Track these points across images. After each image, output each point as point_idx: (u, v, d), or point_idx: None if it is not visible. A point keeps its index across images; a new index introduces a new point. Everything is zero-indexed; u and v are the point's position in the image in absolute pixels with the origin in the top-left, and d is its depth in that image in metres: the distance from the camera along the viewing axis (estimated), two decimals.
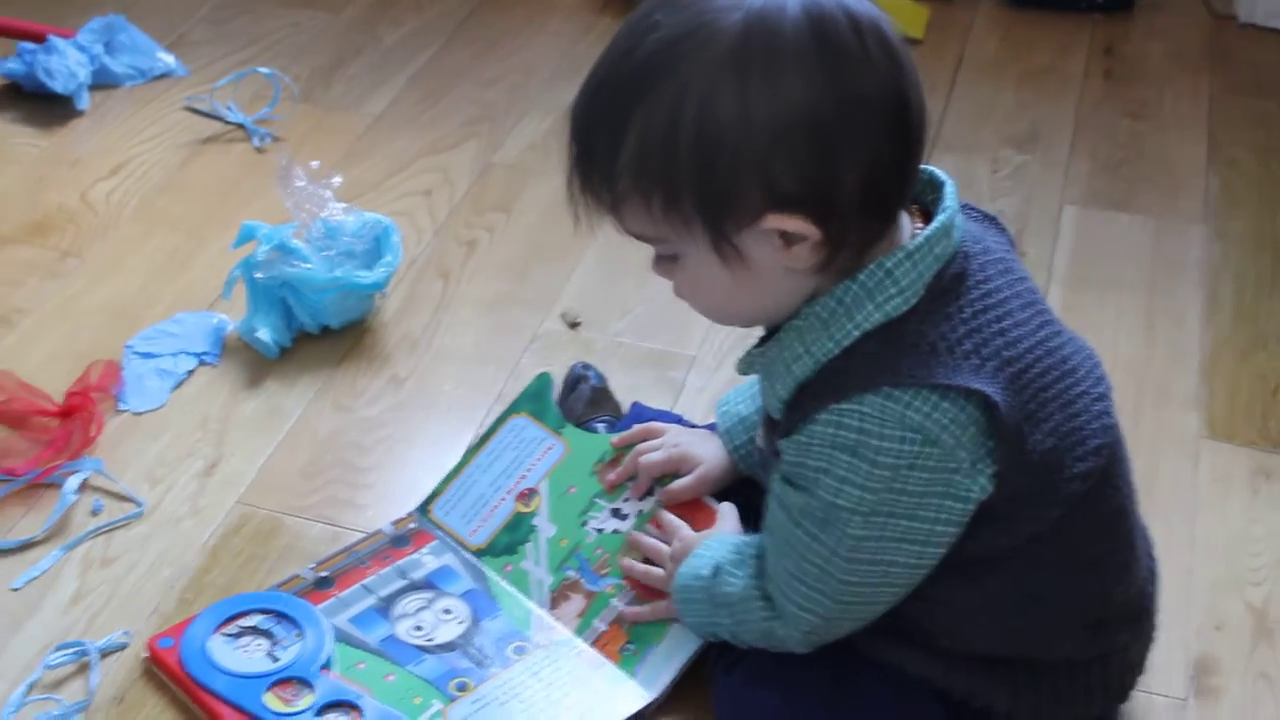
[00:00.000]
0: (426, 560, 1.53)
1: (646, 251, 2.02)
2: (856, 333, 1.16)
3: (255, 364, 1.83)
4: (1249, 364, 1.91)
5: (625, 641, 1.43)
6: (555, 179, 2.14)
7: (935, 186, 1.23)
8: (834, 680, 1.28)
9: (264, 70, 2.29)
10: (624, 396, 1.78)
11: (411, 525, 1.57)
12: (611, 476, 1.52)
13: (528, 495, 1.55)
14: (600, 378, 1.68)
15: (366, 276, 1.84)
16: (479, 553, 1.53)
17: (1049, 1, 2.64)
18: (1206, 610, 1.59)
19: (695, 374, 1.85)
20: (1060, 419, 1.21)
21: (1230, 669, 1.53)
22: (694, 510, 1.49)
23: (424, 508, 1.58)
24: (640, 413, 1.62)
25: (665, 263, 1.21)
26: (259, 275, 1.83)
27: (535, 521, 1.53)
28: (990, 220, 1.29)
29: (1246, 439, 1.80)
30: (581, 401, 1.64)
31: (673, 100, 1.10)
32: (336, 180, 1.92)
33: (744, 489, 1.48)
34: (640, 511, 1.50)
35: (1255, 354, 1.93)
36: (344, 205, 1.90)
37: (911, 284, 1.17)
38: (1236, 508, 1.71)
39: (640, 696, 1.39)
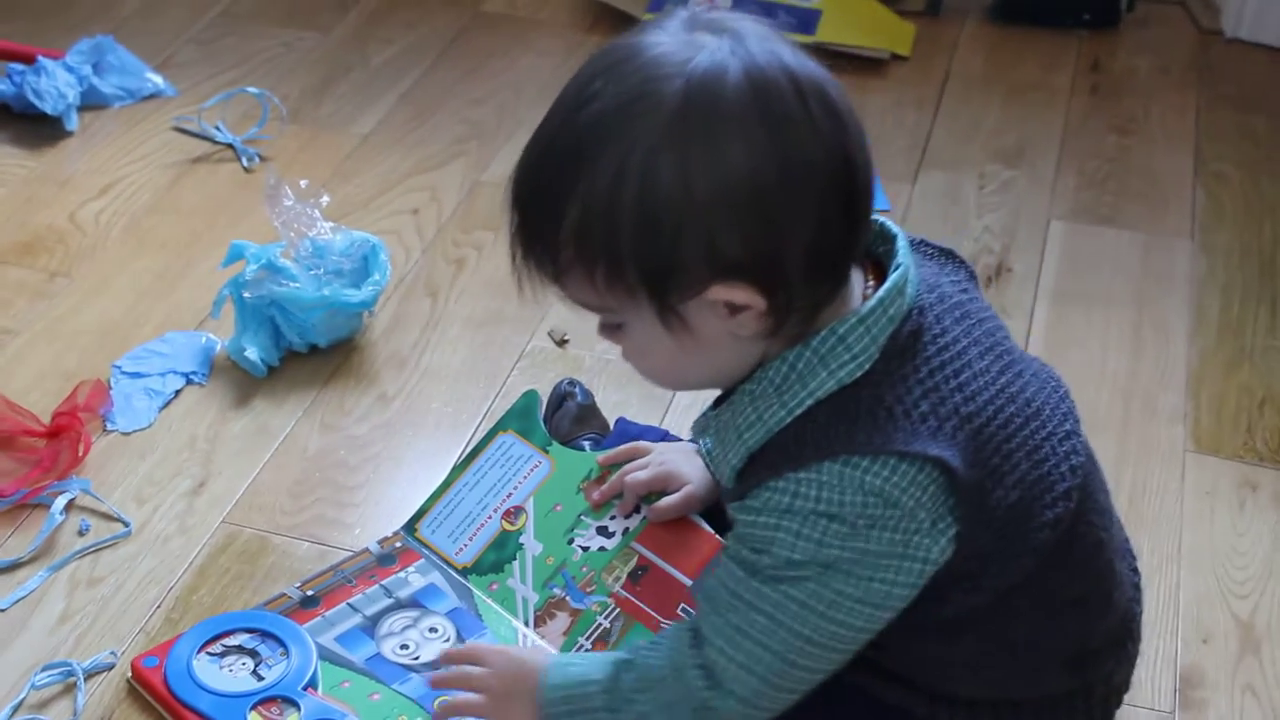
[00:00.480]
0: (413, 579, 1.53)
1: None
2: (810, 401, 1.15)
3: (243, 383, 1.83)
4: (1235, 377, 1.92)
5: None
6: None
7: (887, 238, 1.21)
8: (825, 702, 1.27)
9: (252, 90, 2.30)
10: (611, 413, 1.78)
11: (398, 544, 1.57)
12: (597, 495, 1.52)
13: (514, 513, 1.54)
14: (587, 394, 1.68)
15: (354, 295, 1.84)
16: (465, 571, 1.53)
17: (1035, 18, 2.65)
18: (1193, 623, 1.59)
19: (682, 393, 1.85)
20: (1026, 468, 1.19)
21: (1216, 682, 1.53)
22: (683, 530, 1.48)
23: (410, 526, 1.58)
24: (625, 429, 1.61)
25: (611, 330, 1.19)
26: (247, 294, 1.83)
27: (521, 540, 1.52)
28: (947, 255, 1.27)
29: (1232, 452, 1.80)
30: (568, 419, 1.64)
31: (614, 171, 1.08)
32: (325, 199, 1.92)
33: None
34: (626, 529, 1.50)
35: (1241, 367, 1.94)
36: (332, 224, 1.91)
37: (865, 349, 1.15)
38: (1223, 520, 1.72)
39: None
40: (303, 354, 1.87)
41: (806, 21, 2.57)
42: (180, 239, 2.08)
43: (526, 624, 1.47)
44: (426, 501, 1.59)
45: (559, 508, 1.53)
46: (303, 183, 1.93)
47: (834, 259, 1.14)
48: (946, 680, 1.27)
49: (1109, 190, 2.27)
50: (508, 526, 1.54)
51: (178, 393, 1.81)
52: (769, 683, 1.19)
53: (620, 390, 1.84)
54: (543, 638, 1.45)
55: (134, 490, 1.68)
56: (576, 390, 1.68)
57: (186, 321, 1.92)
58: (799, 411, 1.15)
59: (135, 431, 1.76)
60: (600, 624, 1.45)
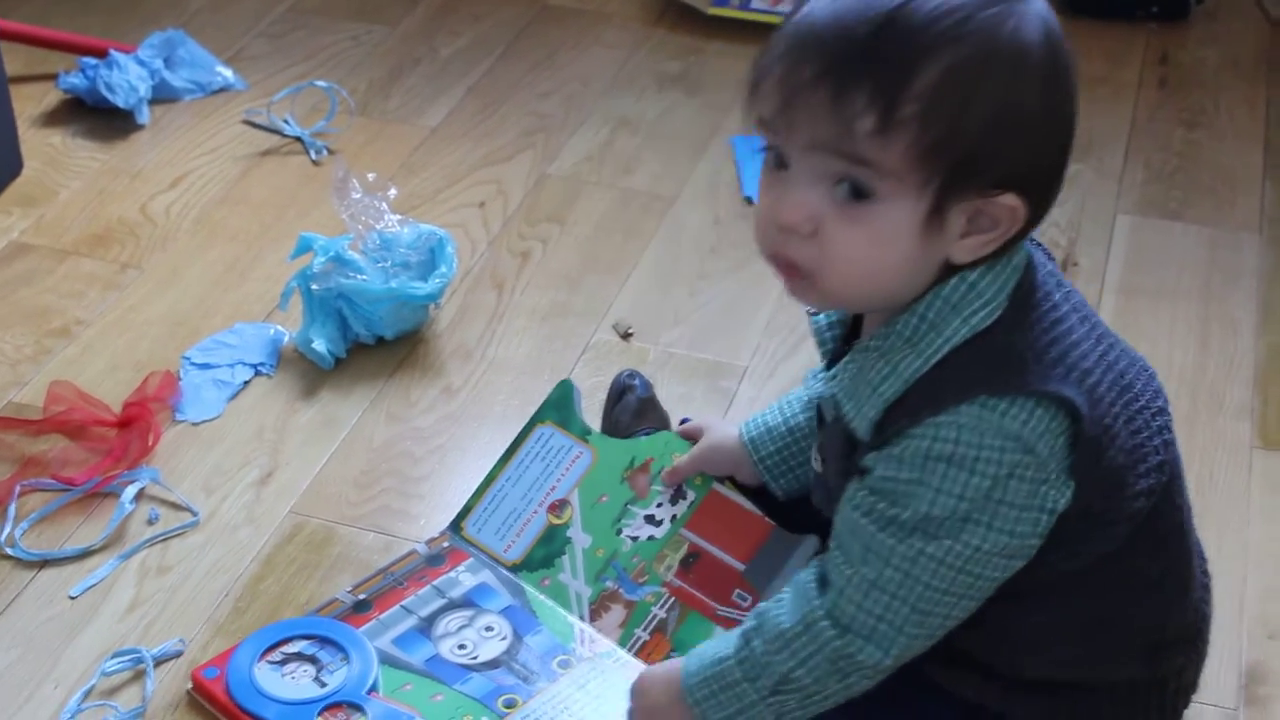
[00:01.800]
0: (463, 578, 1.53)
1: (698, 262, 2.05)
2: (946, 348, 1.16)
3: (311, 374, 1.85)
4: None
5: (669, 650, 1.43)
6: (609, 190, 2.20)
7: None
8: (892, 701, 1.27)
9: (321, 83, 2.31)
10: (676, 408, 1.79)
11: (445, 544, 1.57)
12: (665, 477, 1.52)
13: (559, 506, 1.54)
14: (646, 387, 1.68)
15: (421, 288, 1.86)
16: (515, 568, 1.53)
17: (1104, 10, 2.63)
18: (1258, 619, 1.59)
19: (747, 384, 1.86)
20: (1125, 435, 1.21)
21: None
22: (732, 514, 1.48)
23: (456, 525, 1.58)
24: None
25: (838, 210, 1.13)
26: (315, 286, 1.85)
27: (569, 533, 1.52)
28: (1031, 240, 1.29)
29: None
30: (628, 412, 1.65)
31: (986, 53, 1.10)
32: (392, 192, 1.94)
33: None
34: (674, 516, 1.50)
35: None
36: (399, 217, 1.92)
37: (995, 295, 1.17)
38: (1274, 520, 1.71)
39: None
40: (369, 346, 1.89)
41: None
42: (249, 231, 2.10)
43: (581, 619, 1.48)
44: (470, 499, 1.58)
45: (605, 498, 1.53)
46: (370, 175, 1.94)
47: (1046, 214, 1.19)
48: (1013, 655, 1.26)
49: (1176, 184, 2.26)
50: (554, 520, 1.54)
51: (246, 384, 1.83)
52: (904, 631, 1.20)
53: (683, 384, 1.85)
54: (600, 631, 1.46)
55: (202, 480, 1.70)
56: (636, 383, 1.68)
57: (255, 313, 1.94)
58: (935, 359, 1.16)
59: (204, 422, 1.78)
60: (656, 614, 1.46)
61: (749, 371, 1.88)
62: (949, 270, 1.17)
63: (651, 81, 2.47)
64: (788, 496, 1.46)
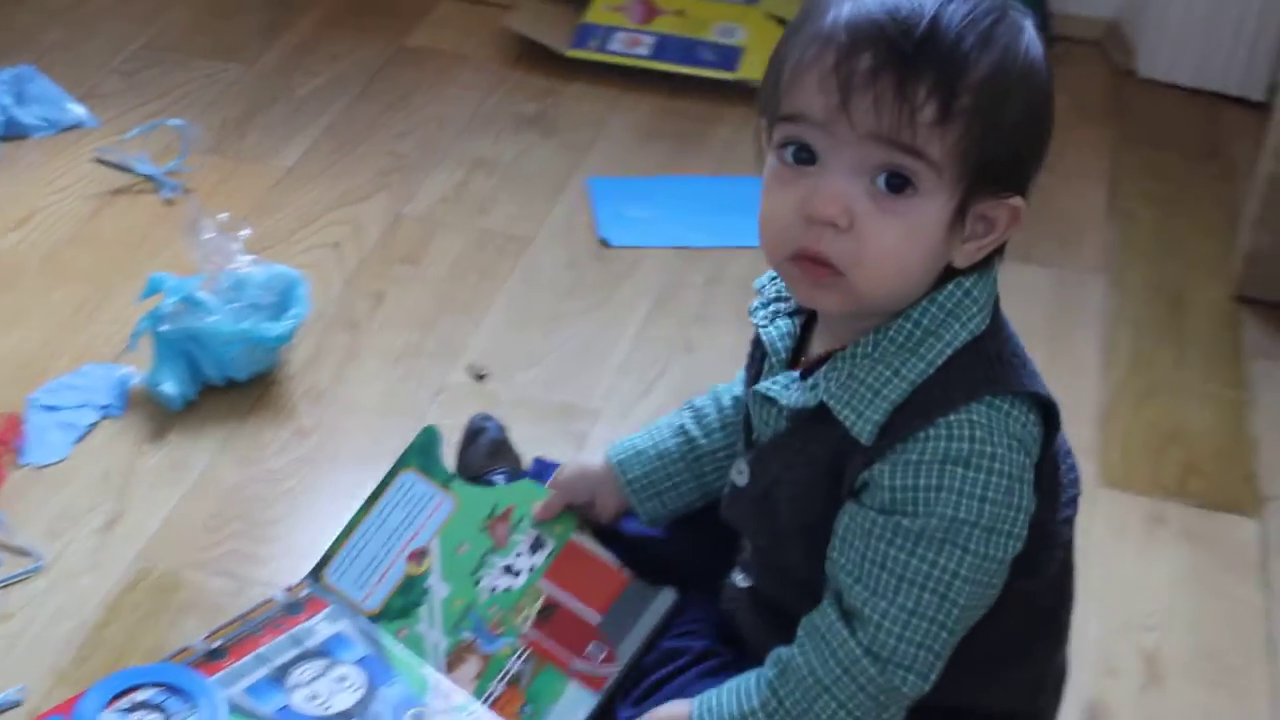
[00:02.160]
0: (320, 627, 1.50)
1: (553, 303, 2.05)
2: (949, 351, 1.18)
3: (160, 417, 1.83)
4: (1144, 413, 1.95)
5: (522, 703, 1.42)
6: (465, 231, 2.20)
7: None
8: None
9: (174, 121, 2.30)
10: (530, 449, 1.79)
11: (305, 592, 1.53)
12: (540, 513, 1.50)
13: (419, 555, 1.51)
14: (500, 429, 1.69)
15: (273, 329, 1.85)
16: (374, 618, 1.50)
17: None
18: (1100, 656, 1.62)
19: (601, 426, 1.87)
20: (1061, 453, 1.26)
21: (1121, 714, 1.56)
22: (589, 565, 1.47)
23: (316, 573, 1.54)
24: (541, 468, 1.62)
25: (876, 202, 1.14)
26: (165, 328, 1.83)
27: (428, 583, 1.49)
28: None
29: (1141, 487, 1.83)
30: (480, 454, 1.65)
31: (1015, 63, 1.14)
32: (245, 232, 1.93)
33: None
34: (532, 567, 1.48)
35: (1150, 403, 1.97)
36: (252, 257, 1.91)
37: (986, 302, 1.20)
38: (1131, 554, 1.74)
39: None
40: (220, 388, 1.87)
41: (729, 59, 2.59)
42: (99, 271, 2.07)
43: (437, 670, 1.46)
44: (332, 546, 1.55)
45: (465, 547, 1.51)
46: (223, 215, 1.93)
47: None
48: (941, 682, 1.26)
49: (1023, 226, 2.29)
50: (413, 569, 1.51)
51: (93, 426, 1.81)
52: (940, 655, 1.20)
53: (537, 425, 1.85)
54: (455, 683, 1.45)
55: (46, 525, 1.67)
56: (490, 425, 1.68)
57: (104, 354, 1.92)
58: (939, 362, 1.18)
59: (49, 465, 1.75)
60: (511, 667, 1.44)
61: (602, 413, 1.89)
62: (944, 277, 1.19)
63: (508, 123, 2.48)
64: (651, 523, 1.46)
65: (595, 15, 2.67)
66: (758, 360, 1.31)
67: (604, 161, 2.40)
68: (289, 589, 1.54)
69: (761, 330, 1.30)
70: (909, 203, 1.14)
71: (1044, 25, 2.68)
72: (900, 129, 1.12)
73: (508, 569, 1.49)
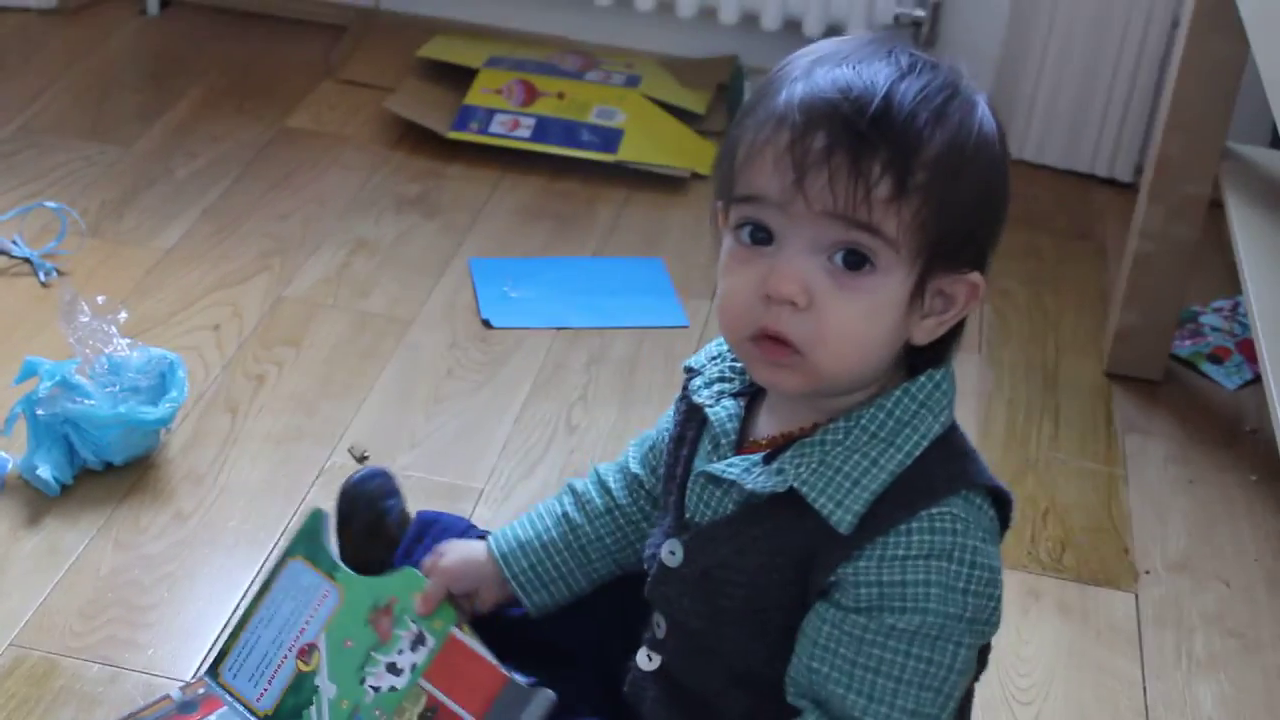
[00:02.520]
0: None
1: (435, 384, 2.05)
2: (924, 443, 1.18)
3: (35, 501, 1.81)
4: (1019, 488, 1.98)
5: None
6: (346, 313, 2.19)
7: None
8: None
9: (51, 204, 2.28)
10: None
11: (200, 690, 1.48)
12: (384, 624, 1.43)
13: (308, 651, 1.44)
14: (373, 501, 1.56)
15: (151, 412, 1.83)
16: (267, 719, 1.45)
17: None
18: None
19: (484, 507, 1.87)
20: None
21: None
22: (469, 664, 1.40)
23: (213, 670, 1.48)
24: (424, 526, 1.54)
25: (833, 280, 1.14)
26: (40, 412, 1.81)
27: (317, 681, 1.43)
28: None
29: (1017, 562, 1.86)
30: (360, 538, 1.59)
31: (968, 138, 1.15)
32: (122, 315, 1.91)
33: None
34: (414, 665, 1.40)
35: (1025, 478, 2.00)
36: (129, 340, 1.90)
37: (951, 395, 1.22)
38: (1007, 628, 1.75)
39: None
40: (98, 472, 1.85)
41: (609, 141, 2.61)
42: None
43: None
44: (228, 640, 1.49)
45: (350, 644, 1.43)
46: (100, 298, 1.92)
47: None
48: None
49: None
50: (303, 666, 1.44)
51: None
52: None
53: (420, 506, 1.84)
54: None
55: None
56: (360, 505, 1.56)
57: None
58: (916, 453, 1.18)
59: None
60: None
61: (485, 494, 1.89)
62: (904, 355, 1.20)
63: (390, 204, 2.49)
64: (538, 614, 1.43)
65: (476, 98, 2.69)
66: (691, 440, 1.29)
67: (486, 242, 2.41)
68: (185, 686, 1.49)
69: (709, 410, 1.27)
70: (867, 280, 1.14)
71: None
72: (856, 206, 1.12)
73: (391, 667, 1.42)
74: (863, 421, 1.19)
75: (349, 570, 1.47)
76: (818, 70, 1.16)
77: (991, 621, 1.20)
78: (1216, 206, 2.13)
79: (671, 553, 1.27)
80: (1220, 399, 2.21)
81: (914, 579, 1.16)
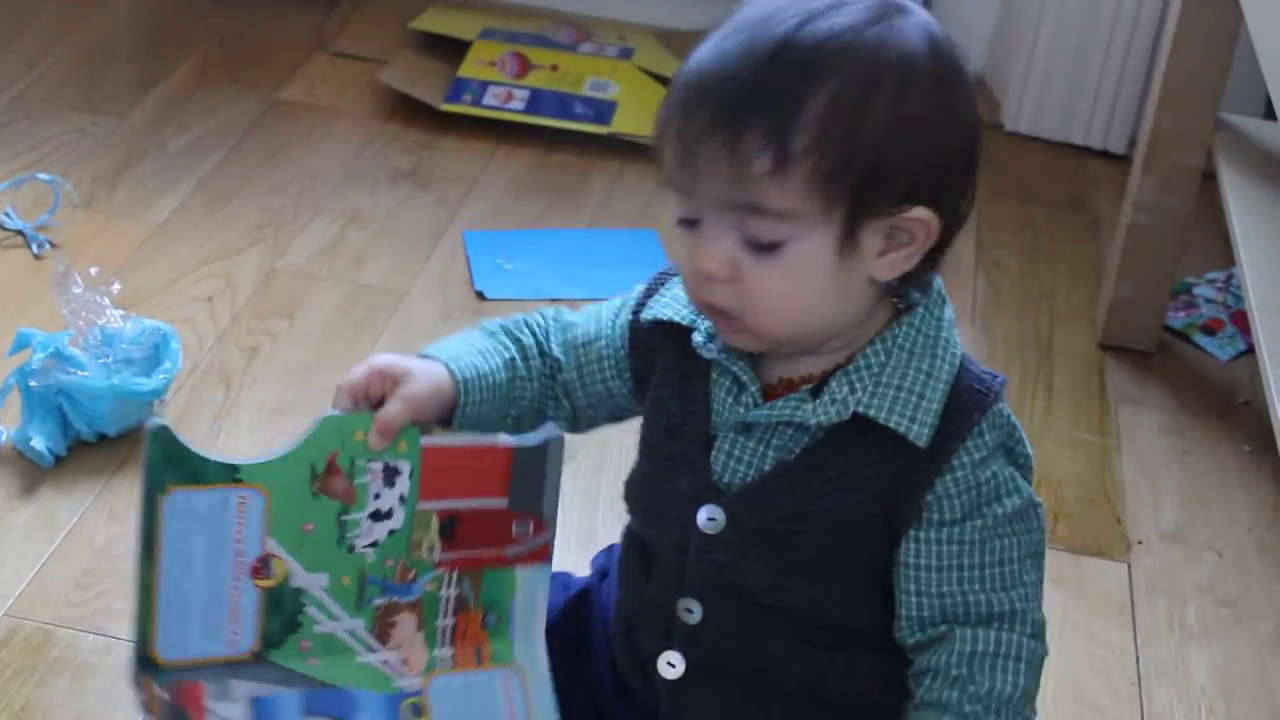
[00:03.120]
0: (225, 710, 1.20)
1: None
2: (958, 351, 1.19)
3: (29, 473, 1.81)
4: None
5: (482, 616, 1.27)
6: (340, 285, 2.19)
7: None
8: None
9: (44, 176, 2.27)
10: None
11: (163, 695, 1.19)
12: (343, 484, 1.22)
13: (262, 568, 1.22)
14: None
15: (145, 384, 1.83)
16: (259, 655, 1.22)
17: None
18: None
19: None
20: None
21: None
22: (459, 456, 1.25)
23: (146, 662, 1.19)
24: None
25: (752, 257, 1.13)
26: (34, 383, 1.81)
27: (296, 583, 1.23)
28: None
29: None
30: None
31: (870, 76, 1.12)
32: (115, 287, 1.91)
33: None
34: (401, 497, 1.23)
35: None
36: (122, 312, 1.90)
37: (953, 320, 1.22)
38: None
39: (539, 676, 1.26)
40: (91, 443, 1.85)
41: (602, 113, 2.61)
42: None
43: (370, 650, 1.25)
44: (141, 623, 1.20)
45: (310, 527, 1.22)
46: (93, 270, 1.92)
47: (962, 224, 1.20)
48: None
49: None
50: (265, 583, 1.22)
51: None
52: None
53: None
54: (400, 648, 1.25)
55: None
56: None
57: None
58: (958, 361, 1.19)
59: None
60: (447, 596, 1.26)
61: None
62: (887, 288, 1.17)
63: (384, 176, 2.48)
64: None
65: (469, 70, 2.68)
66: (697, 398, 1.23)
67: (479, 214, 2.41)
68: (146, 704, 1.19)
69: (727, 362, 1.21)
70: (782, 251, 1.13)
71: None
72: (739, 189, 1.11)
73: (375, 515, 1.24)
74: (899, 341, 1.17)
75: (249, 462, 1.22)
76: (715, 37, 1.15)
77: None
78: (1210, 178, 2.13)
79: (711, 519, 1.21)
80: (1213, 370, 2.22)
81: (1001, 470, 1.18)
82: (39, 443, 1.80)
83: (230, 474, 1.20)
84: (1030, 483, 1.20)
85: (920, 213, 1.14)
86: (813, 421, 1.17)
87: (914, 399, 1.16)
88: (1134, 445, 2.04)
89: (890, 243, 1.15)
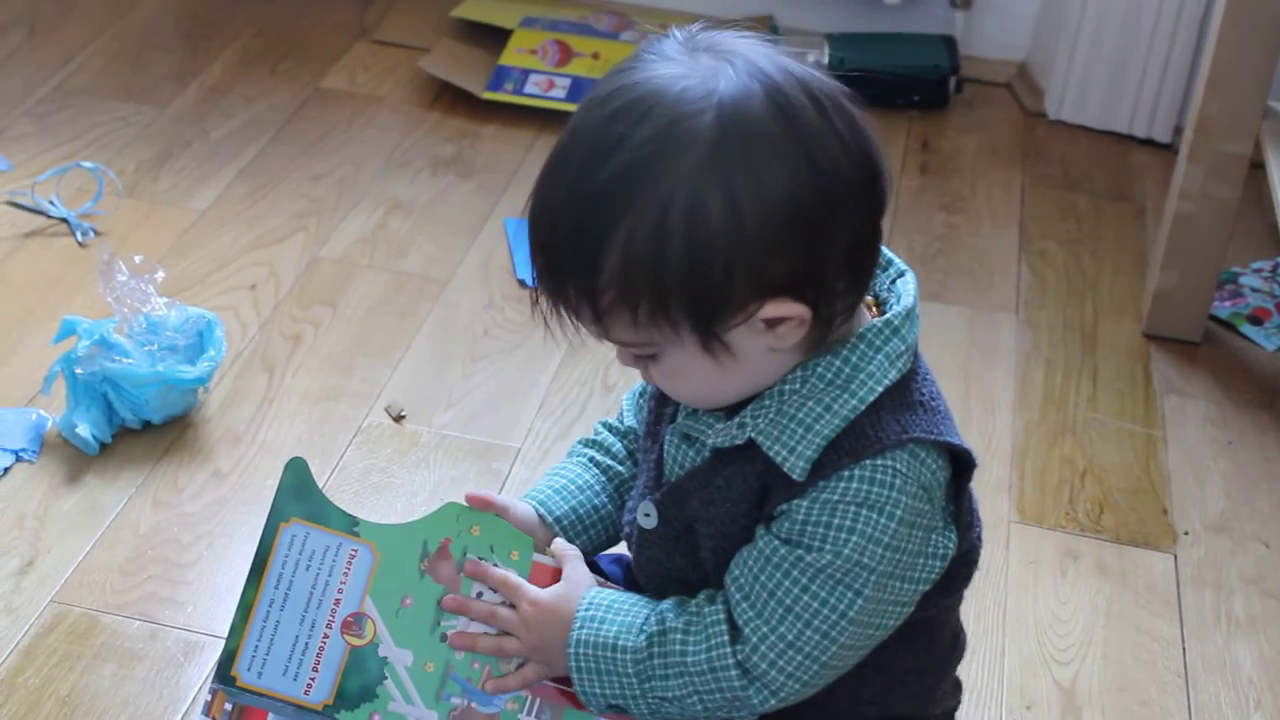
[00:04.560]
0: None
1: (471, 344, 2.05)
2: (879, 389, 1.17)
3: (75, 460, 1.81)
4: (1057, 449, 1.97)
5: None
6: (382, 273, 2.19)
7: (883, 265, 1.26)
8: None
9: (88, 164, 2.28)
10: (449, 490, 1.80)
11: (227, 706, 1.26)
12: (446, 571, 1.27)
13: (355, 623, 1.26)
14: None
15: (189, 371, 1.84)
16: (329, 709, 1.24)
17: (867, 99, 2.70)
18: (1017, 690, 1.63)
19: (520, 466, 1.87)
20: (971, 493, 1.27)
21: None
22: (548, 576, 1.28)
23: (226, 675, 1.26)
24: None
25: (642, 361, 1.19)
26: (79, 370, 1.82)
27: (382, 653, 1.25)
28: None
29: (1055, 523, 1.85)
30: None
31: (658, 211, 1.10)
32: (160, 275, 1.92)
33: None
34: (504, 603, 1.26)
35: (1063, 440, 1.99)
36: (167, 300, 1.90)
37: (910, 341, 1.19)
38: (1046, 589, 1.76)
39: None
40: (136, 430, 1.86)
41: None
42: (11, 314, 2.05)
43: None
44: (232, 637, 1.27)
45: (409, 601, 1.25)
46: (137, 258, 1.92)
47: (868, 261, 1.17)
48: (879, 693, 1.28)
49: (937, 267, 2.33)
50: (355, 641, 1.25)
51: (7, 470, 1.79)
52: (807, 685, 1.21)
53: (456, 466, 1.85)
54: None
55: None
56: None
57: (17, 398, 1.90)
58: (870, 399, 1.17)
59: None
60: None
61: (521, 453, 1.89)
62: (808, 343, 1.16)
63: (425, 164, 2.48)
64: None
65: (511, 58, 2.68)
66: (662, 398, 1.29)
67: (521, 202, 2.36)
68: (208, 708, 1.27)
69: None
70: (659, 361, 1.17)
71: (955, 68, 2.72)
72: (585, 324, 1.16)
73: None
74: (819, 369, 1.18)
75: (370, 522, 1.28)
76: (539, 175, 1.17)
77: (910, 576, 1.20)
78: (1257, 167, 2.11)
79: (646, 514, 1.27)
80: (1260, 360, 2.20)
81: (838, 523, 1.17)
82: (84, 430, 1.80)
83: (350, 525, 1.26)
84: (889, 560, 1.16)
85: (772, 309, 1.13)
86: (710, 443, 1.21)
87: (800, 430, 1.18)
88: (1179, 436, 2.03)
89: (770, 325, 1.14)
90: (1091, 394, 2.09)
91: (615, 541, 1.38)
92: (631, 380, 2.02)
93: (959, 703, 1.36)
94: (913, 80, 2.71)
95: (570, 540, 1.35)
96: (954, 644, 1.33)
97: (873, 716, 1.29)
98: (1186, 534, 1.87)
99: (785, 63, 1.14)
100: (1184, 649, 1.71)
